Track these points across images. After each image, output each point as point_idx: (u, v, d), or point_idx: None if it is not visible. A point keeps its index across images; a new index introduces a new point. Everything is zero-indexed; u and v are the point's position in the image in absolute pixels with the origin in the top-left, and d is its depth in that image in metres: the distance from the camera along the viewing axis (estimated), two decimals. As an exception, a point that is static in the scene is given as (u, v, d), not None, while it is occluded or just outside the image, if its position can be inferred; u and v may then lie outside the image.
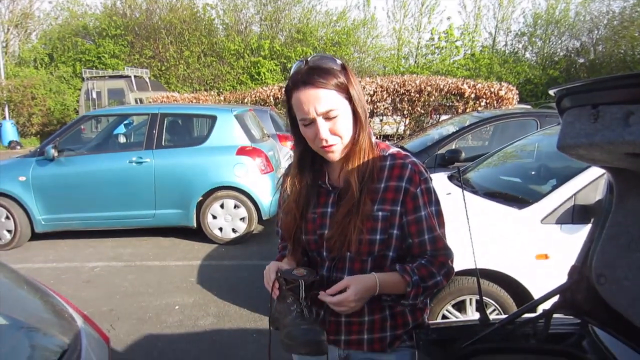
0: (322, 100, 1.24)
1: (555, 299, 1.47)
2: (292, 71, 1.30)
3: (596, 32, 23.63)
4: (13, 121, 17.53)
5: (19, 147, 16.39)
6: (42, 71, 20.74)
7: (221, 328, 3.62)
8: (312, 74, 1.24)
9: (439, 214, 1.37)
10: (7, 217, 5.63)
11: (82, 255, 5.42)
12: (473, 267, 2.78)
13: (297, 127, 1.32)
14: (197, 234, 5.83)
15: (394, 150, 1.39)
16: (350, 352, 1.43)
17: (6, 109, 17.91)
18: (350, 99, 1.28)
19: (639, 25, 22.23)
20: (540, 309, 1.48)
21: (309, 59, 1.29)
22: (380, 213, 1.31)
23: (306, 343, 1.19)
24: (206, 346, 3.37)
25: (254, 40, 22.78)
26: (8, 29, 21.82)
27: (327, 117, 1.25)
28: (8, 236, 5.67)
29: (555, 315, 1.44)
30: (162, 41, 21.76)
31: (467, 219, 1.56)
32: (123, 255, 5.39)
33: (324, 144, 1.27)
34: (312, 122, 1.26)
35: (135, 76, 17.06)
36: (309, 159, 1.38)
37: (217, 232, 5.77)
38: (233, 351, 3.27)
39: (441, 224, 1.37)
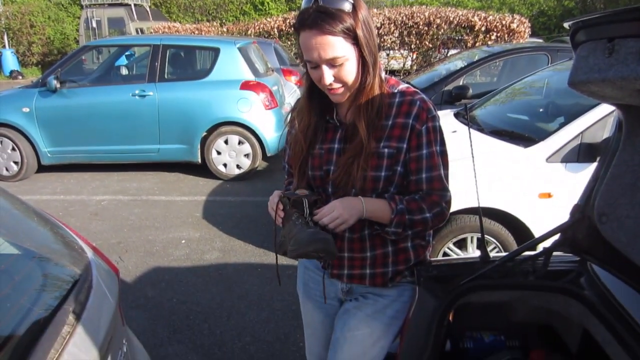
0: (327, 47, 1.20)
1: (556, 237, 1.49)
2: (301, 6, 1.25)
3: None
4: (13, 50, 17.14)
5: (20, 77, 16.12)
6: (40, -4, 19.99)
7: (227, 262, 3.73)
8: (318, 18, 1.19)
9: (443, 154, 1.35)
10: (13, 149, 5.65)
11: (89, 188, 5.50)
12: (475, 205, 2.83)
13: None
14: (202, 169, 5.86)
15: (403, 86, 1.36)
16: (352, 286, 1.47)
17: (5, 37, 17.44)
18: (357, 43, 1.24)
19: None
20: (541, 247, 1.50)
21: None
22: (386, 150, 1.31)
23: (314, 241, 1.22)
24: (212, 279, 3.48)
25: (257, -33, 21.68)
26: None
27: (331, 64, 1.24)
28: (15, 168, 5.72)
29: (555, 254, 1.47)
30: (163, -34, 20.76)
31: (472, 157, 1.55)
32: (129, 189, 5.46)
33: (328, 87, 1.27)
34: (317, 66, 1.25)
35: (135, 4, 16.44)
36: (318, 90, 1.35)
37: (221, 168, 5.79)
38: (238, 284, 3.39)
39: (444, 164, 1.36)
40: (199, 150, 5.72)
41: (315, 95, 1.37)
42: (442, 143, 1.35)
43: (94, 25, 15.85)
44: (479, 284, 1.41)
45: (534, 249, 1.61)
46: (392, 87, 1.35)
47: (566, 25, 1.16)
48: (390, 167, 1.32)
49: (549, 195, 2.96)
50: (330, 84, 1.26)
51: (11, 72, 16.51)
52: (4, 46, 17.34)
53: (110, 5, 16.57)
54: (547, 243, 1.50)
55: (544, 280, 1.42)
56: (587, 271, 1.47)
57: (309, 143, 1.39)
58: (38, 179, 5.80)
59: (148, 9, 17.39)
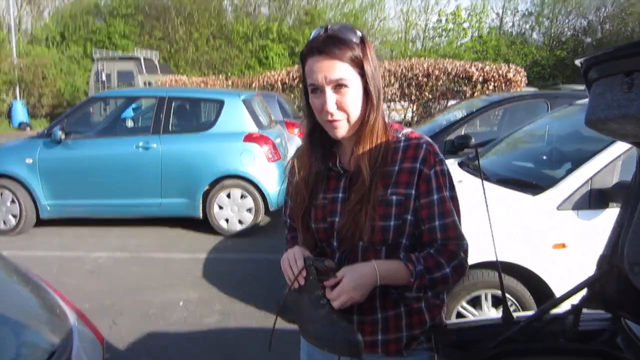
0: (333, 69, 1.17)
1: (583, 292, 1.36)
2: (311, 36, 1.23)
3: (603, 9, 23.20)
4: (24, 101, 17.51)
5: (28, 129, 16.33)
6: (54, 50, 20.67)
7: (226, 327, 3.52)
8: (328, 44, 1.18)
9: (454, 199, 1.27)
10: (13, 201, 5.56)
11: (87, 244, 5.37)
12: (488, 259, 2.70)
13: (309, 100, 1.26)
14: (203, 225, 5.73)
15: (407, 130, 1.30)
16: (364, 356, 1.33)
17: (17, 89, 17.84)
18: (363, 75, 1.20)
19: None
20: (568, 304, 1.37)
21: (329, 26, 1.22)
22: (394, 197, 1.22)
23: (343, 342, 1.12)
24: (211, 346, 3.28)
25: (262, 22, 22.55)
26: (22, 5, 21.66)
27: (336, 87, 1.19)
28: (13, 221, 5.60)
29: (584, 311, 1.34)
30: (172, 22, 21.60)
31: (487, 206, 1.45)
32: (128, 245, 5.32)
33: (329, 117, 1.20)
34: (321, 91, 1.19)
35: (144, 58, 16.97)
36: (319, 133, 1.29)
37: (223, 224, 5.67)
38: (239, 351, 3.19)
39: (456, 210, 1.26)
40: (201, 205, 5.63)
41: (316, 141, 1.31)
42: (452, 188, 1.27)
43: (104, 77, 16.31)
44: (505, 350, 1.27)
45: (560, 307, 1.47)
46: (396, 132, 1.29)
47: (578, 62, 1.10)
48: (400, 215, 1.23)
49: (564, 246, 2.82)
50: (332, 114, 1.20)
51: (20, 123, 16.77)
52: (15, 97, 17.72)
53: (121, 58, 17.11)
54: (575, 299, 1.37)
55: (576, 342, 1.28)
56: (622, 329, 1.33)
57: (310, 192, 1.31)
58: (35, 234, 5.68)
59: (157, 63, 17.93)
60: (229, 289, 4.14)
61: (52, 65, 18.10)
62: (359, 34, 1.22)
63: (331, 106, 1.18)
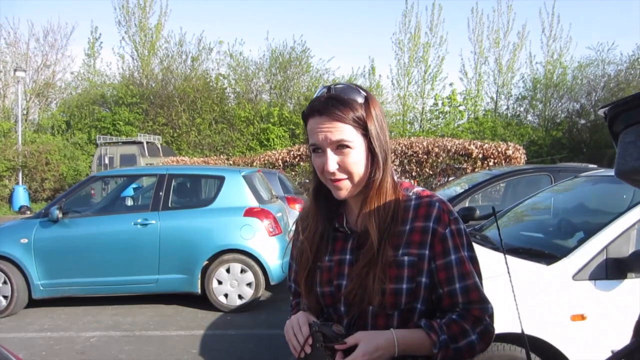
0: (334, 130, 1.13)
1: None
2: (315, 95, 1.20)
3: (594, 94, 24.03)
4: (25, 186, 17.69)
5: (28, 212, 16.37)
6: (59, 137, 21.22)
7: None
8: (329, 105, 1.14)
9: (474, 260, 1.18)
10: (5, 282, 5.40)
11: (79, 323, 5.12)
12: (502, 331, 2.53)
13: None
14: (202, 300, 5.53)
15: (418, 189, 1.25)
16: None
17: (20, 174, 18.11)
18: (367, 135, 1.16)
19: (634, 87, 22.62)
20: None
21: (332, 86, 1.19)
22: (405, 258, 1.14)
23: None
24: None
25: (263, 107, 23.39)
26: (30, 98, 22.60)
27: (338, 148, 1.15)
28: (4, 303, 5.40)
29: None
30: (175, 109, 22.40)
31: (509, 275, 1.36)
32: (122, 324, 5.08)
33: (331, 177, 1.16)
34: (322, 151, 1.16)
35: (147, 142, 17.38)
36: (325, 193, 1.24)
37: (222, 299, 5.47)
38: None
39: (477, 272, 1.18)
40: (200, 280, 5.45)
41: (322, 198, 1.25)
42: (471, 247, 1.19)
43: (107, 161, 16.57)
44: None
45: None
46: (406, 190, 1.24)
47: (601, 112, 1.06)
48: (413, 278, 1.14)
49: (583, 318, 2.66)
50: (334, 173, 1.15)
51: (20, 207, 16.84)
52: (17, 182, 17.92)
53: (124, 143, 17.52)
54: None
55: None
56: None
57: (315, 253, 1.23)
58: (27, 315, 5.45)
59: (159, 146, 18.34)
60: (226, 369, 3.89)
61: (57, 151, 18.55)
62: (364, 93, 1.19)
63: (332, 166, 1.14)
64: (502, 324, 2.47)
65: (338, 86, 1.19)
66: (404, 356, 1.13)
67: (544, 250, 3.13)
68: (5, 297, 5.39)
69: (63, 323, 5.16)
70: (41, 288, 5.45)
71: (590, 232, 2.93)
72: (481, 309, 1.15)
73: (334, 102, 1.14)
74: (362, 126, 1.15)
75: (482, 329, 1.13)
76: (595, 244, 2.80)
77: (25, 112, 21.75)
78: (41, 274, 5.44)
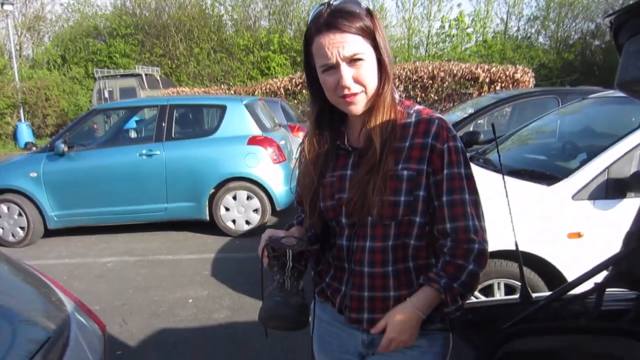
0: (346, 43, 1.12)
1: (607, 272, 1.29)
2: (311, 16, 1.17)
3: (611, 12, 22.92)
4: (28, 123, 17.67)
5: (34, 149, 16.50)
6: (55, 73, 20.88)
7: (236, 321, 3.49)
8: (336, 17, 1.12)
9: (469, 177, 1.20)
10: (20, 214, 5.58)
11: (95, 250, 5.34)
12: (501, 248, 2.63)
13: (313, 82, 1.22)
14: (210, 227, 5.70)
15: (419, 107, 1.25)
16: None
17: (21, 111, 18.05)
18: (376, 46, 1.15)
19: (656, 3, 21.53)
20: (590, 284, 1.29)
21: (331, 1, 1.15)
22: (405, 172, 1.17)
23: (272, 317, 1.14)
24: (221, 339, 3.24)
25: (263, 35, 22.65)
26: (21, 32, 21.99)
27: (351, 62, 1.13)
28: (21, 233, 5.61)
29: (607, 291, 1.26)
30: (172, 39, 21.76)
31: (506, 193, 1.39)
32: (135, 250, 5.29)
33: (346, 92, 1.14)
34: (334, 68, 1.14)
35: (146, 74, 17.06)
36: (327, 117, 1.25)
37: (230, 225, 5.64)
38: (249, 344, 3.14)
39: (471, 189, 1.19)
40: (207, 207, 5.60)
41: (324, 122, 1.26)
42: (467, 165, 1.20)
43: (107, 95, 16.37)
44: (522, 329, 1.20)
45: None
46: (407, 108, 1.24)
47: (607, 20, 1.03)
48: (411, 191, 1.17)
49: (579, 235, 2.75)
50: (349, 87, 1.14)
51: (26, 144, 16.92)
52: (19, 119, 17.91)
53: (123, 76, 17.20)
54: (598, 279, 1.29)
55: (600, 321, 1.20)
56: (648, 309, 1.25)
57: (319, 173, 1.26)
58: (44, 244, 5.67)
59: (159, 78, 18.01)
60: (237, 285, 4.10)
61: (55, 86, 18.27)
62: (364, 6, 1.16)
63: (348, 80, 1.13)
64: (500, 242, 2.57)
65: (336, 1, 1.15)
66: (400, 270, 1.20)
67: (545, 171, 3.15)
68: (22, 228, 5.59)
69: (79, 250, 5.38)
70: (55, 219, 5.63)
71: (594, 153, 2.93)
72: (465, 229, 1.16)
73: (339, 14, 1.12)
74: (371, 37, 1.14)
75: (475, 255, 1.15)
76: (597, 165, 2.81)
77: (18, 47, 21.22)
78: (53, 205, 5.60)
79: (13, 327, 1.12)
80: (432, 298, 1.15)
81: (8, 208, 5.59)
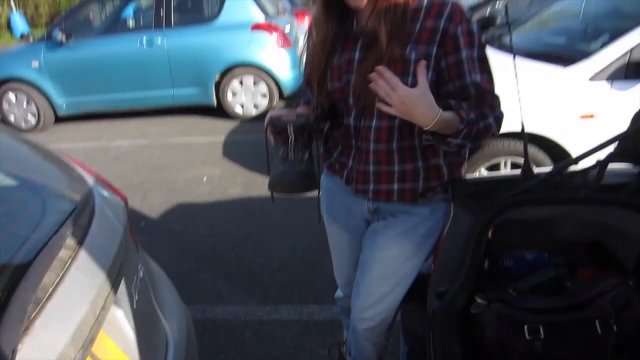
0: None
1: (612, 147, 1.31)
2: None
3: None
4: (21, 11, 17.00)
5: (31, 39, 16.01)
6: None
7: (250, 196, 3.67)
8: None
9: (484, 60, 1.18)
10: (29, 102, 5.62)
11: (108, 135, 5.45)
12: (511, 130, 2.63)
13: None
14: (220, 112, 5.71)
15: None
16: (379, 204, 1.35)
17: (12, 1, 17.25)
18: None
19: None
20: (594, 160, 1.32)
21: None
22: (413, 54, 1.15)
23: (277, 183, 1.24)
24: (236, 212, 3.44)
25: None
26: None
27: None
28: (33, 120, 5.70)
29: (609, 167, 1.29)
30: None
31: (515, 71, 1.36)
32: (148, 133, 5.38)
33: None
34: None
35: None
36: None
37: (238, 109, 5.63)
38: (263, 215, 3.34)
39: (485, 70, 1.18)
40: (214, 93, 5.55)
41: (333, 4, 1.22)
42: (482, 47, 1.18)
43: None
44: (522, 200, 1.26)
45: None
46: None
47: None
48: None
49: (592, 116, 2.73)
50: None
51: (22, 34, 16.38)
52: (11, 9, 17.16)
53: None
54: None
55: (598, 193, 1.25)
56: (648, 182, 1.29)
57: (327, 54, 1.26)
58: (57, 130, 5.77)
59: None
60: (249, 164, 4.24)
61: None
62: None
63: None
64: (511, 123, 2.57)
65: None
66: (404, 146, 1.23)
67: (564, 53, 3.04)
68: (33, 115, 5.66)
69: (93, 135, 5.49)
70: (64, 106, 5.67)
71: (617, 35, 2.79)
72: (493, 98, 1.18)
73: None
74: None
75: (497, 114, 1.18)
76: (619, 47, 2.70)
77: None
78: (60, 93, 5.60)
79: (42, 199, 1.20)
80: (451, 121, 1.10)
81: (16, 96, 5.60)
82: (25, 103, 5.62)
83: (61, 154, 1.50)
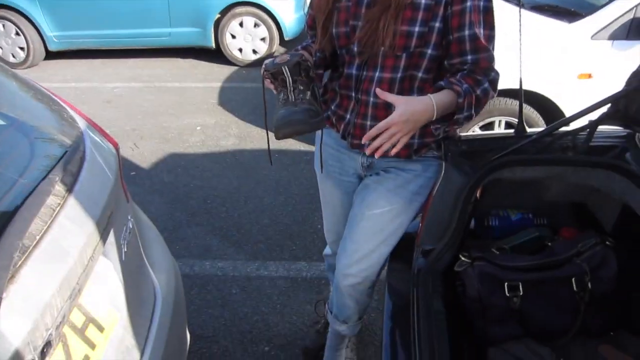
0: None
1: (604, 109, 1.31)
2: None
3: None
4: None
5: None
6: None
7: (243, 148, 3.65)
8: None
9: (489, 11, 1.16)
10: (17, 34, 5.38)
11: (101, 75, 5.32)
12: (506, 87, 2.60)
13: None
14: (217, 55, 5.56)
15: None
16: (374, 159, 1.36)
17: None
18: None
19: None
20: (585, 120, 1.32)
21: None
22: (422, 1, 1.13)
23: (281, 125, 1.19)
24: (229, 164, 3.43)
25: None
26: None
27: None
28: (22, 54, 5.48)
29: (599, 129, 1.30)
30: None
31: (520, 27, 1.33)
32: (142, 76, 5.26)
33: None
34: None
35: None
36: None
37: (236, 53, 5.49)
38: (255, 169, 3.33)
39: (488, 22, 1.17)
40: (213, 34, 5.39)
41: None
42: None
43: None
44: (512, 160, 1.27)
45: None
46: None
47: None
48: (426, 22, 1.15)
49: (589, 76, 2.70)
50: None
51: None
52: None
53: None
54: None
55: (586, 155, 1.26)
56: (634, 146, 1.31)
57: None
58: (47, 66, 5.60)
59: None
60: (244, 115, 4.19)
61: None
62: None
63: None
64: (508, 80, 2.53)
65: None
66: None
67: (570, 7, 2.97)
68: (21, 48, 5.45)
69: (84, 74, 5.35)
70: (55, 40, 5.46)
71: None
72: (487, 58, 1.17)
73: None
74: None
75: (492, 76, 1.18)
76: (625, 3, 2.63)
77: None
78: (51, 25, 5.38)
79: (31, 141, 1.18)
80: (450, 100, 1.13)
81: (3, 26, 5.37)
82: (13, 34, 5.38)
83: (52, 93, 1.46)
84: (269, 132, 1.33)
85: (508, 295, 1.28)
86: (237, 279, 2.36)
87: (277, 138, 1.20)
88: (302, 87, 1.20)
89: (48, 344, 0.78)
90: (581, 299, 1.28)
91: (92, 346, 0.95)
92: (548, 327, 1.30)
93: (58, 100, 1.37)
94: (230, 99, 4.57)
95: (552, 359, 1.19)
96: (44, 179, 1.00)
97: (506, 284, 1.28)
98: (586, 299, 1.28)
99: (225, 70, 5.37)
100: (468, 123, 1.21)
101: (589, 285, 1.27)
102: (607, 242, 1.29)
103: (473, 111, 1.16)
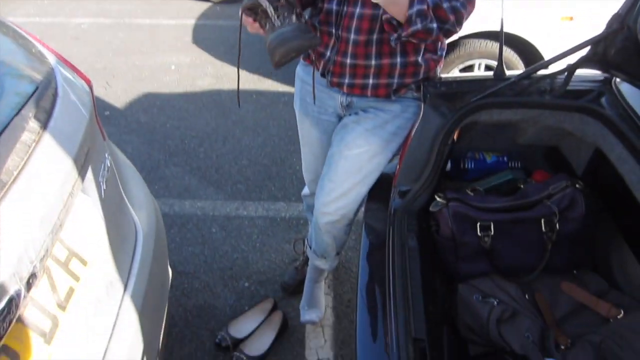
0: None
1: (584, 52, 1.32)
2: None
3: None
4: None
5: None
6: None
7: (220, 88, 3.57)
8: None
9: None
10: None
11: (66, 10, 5.02)
12: (486, 29, 2.58)
13: None
14: (189, -10, 5.32)
15: None
16: (353, 99, 1.35)
17: None
18: None
19: None
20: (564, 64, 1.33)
21: None
22: None
23: (276, 47, 1.12)
24: (206, 105, 3.36)
25: None
26: None
27: None
28: (-19, -14, 5.15)
29: (577, 73, 1.31)
30: None
31: None
32: (110, 11, 5.00)
33: None
34: None
35: None
36: None
37: (210, -11, 5.25)
38: (233, 110, 3.28)
39: None
40: (184, -32, 5.12)
41: None
42: None
43: None
44: (490, 102, 1.28)
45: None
46: None
47: None
48: None
49: (571, 19, 2.68)
50: None
51: None
52: None
53: None
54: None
55: (562, 99, 1.28)
56: (610, 91, 1.33)
57: None
58: (9, 1, 5.24)
59: None
60: (220, 54, 4.07)
61: None
62: None
63: None
64: (487, 22, 2.51)
65: None
66: (384, 39, 1.19)
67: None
68: (-21, -23, 5.10)
69: (49, 9, 5.05)
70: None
71: None
72: (446, 10, 1.12)
73: None
74: None
75: (446, 27, 1.14)
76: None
77: None
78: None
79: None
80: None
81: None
82: (-31, -34, 5.05)
83: (16, 26, 1.38)
84: (240, 71, 1.29)
85: (480, 234, 1.33)
86: (216, 219, 2.38)
87: (275, 65, 1.14)
88: (285, 13, 1.14)
89: (33, 276, 0.79)
90: (549, 238, 1.34)
91: (77, 279, 0.96)
92: (516, 265, 1.37)
93: (24, 33, 1.30)
94: (205, 37, 4.41)
95: (518, 294, 1.26)
96: (16, 115, 0.96)
97: (479, 224, 1.32)
98: (553, 238, 1.34)
99: (199, 6, 5.14)
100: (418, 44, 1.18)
101: (557, 225, 1.33)
102: (577, 185, 1.33)
103: (424, 24, 1.10)
